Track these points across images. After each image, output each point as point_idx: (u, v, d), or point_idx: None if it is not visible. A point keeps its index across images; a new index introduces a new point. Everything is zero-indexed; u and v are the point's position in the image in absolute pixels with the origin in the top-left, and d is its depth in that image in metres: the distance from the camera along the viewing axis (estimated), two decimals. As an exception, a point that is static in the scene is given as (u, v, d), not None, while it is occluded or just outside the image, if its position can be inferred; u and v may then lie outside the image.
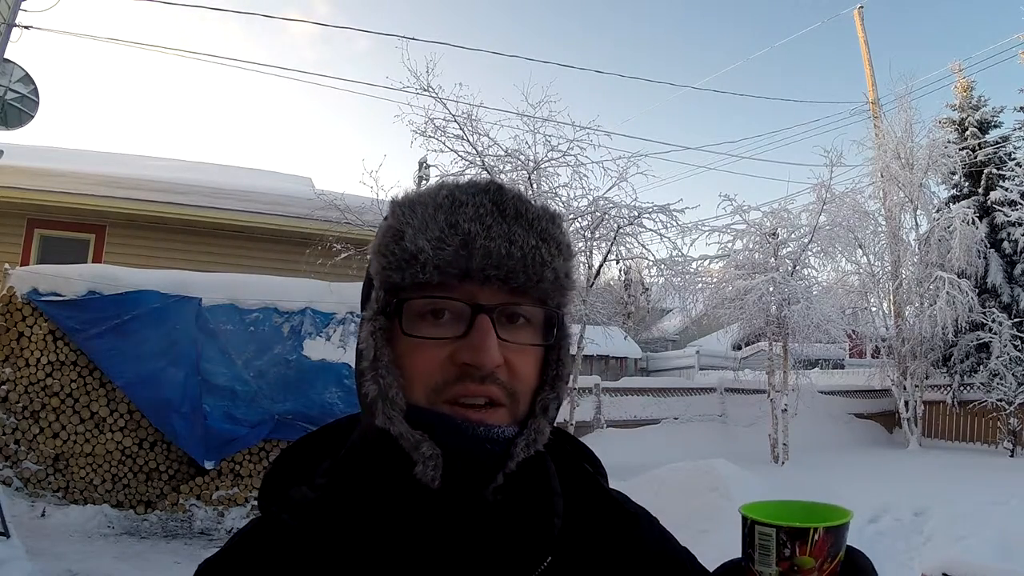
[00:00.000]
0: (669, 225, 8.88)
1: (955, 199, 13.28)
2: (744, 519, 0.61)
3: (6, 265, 6.95)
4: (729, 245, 11.12)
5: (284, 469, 0.66)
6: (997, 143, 13.42)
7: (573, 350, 9.28)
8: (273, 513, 0.62)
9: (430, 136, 8.40)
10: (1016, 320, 11.83)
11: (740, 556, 0.62)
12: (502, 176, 8.60)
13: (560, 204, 8.94)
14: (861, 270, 13.27)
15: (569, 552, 0.63)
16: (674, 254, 9.59)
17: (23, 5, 6.89)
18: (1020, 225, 12.17)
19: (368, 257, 0.64)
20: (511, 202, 0.62)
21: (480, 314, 0.58)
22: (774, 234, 11.06)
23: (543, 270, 0.60)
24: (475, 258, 0.58)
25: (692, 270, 10.38)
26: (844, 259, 12.93)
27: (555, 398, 0.64)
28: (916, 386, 12.59)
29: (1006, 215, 12.29)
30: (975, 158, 13.24)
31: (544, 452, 0.64)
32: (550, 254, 0.61)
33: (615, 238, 8.72)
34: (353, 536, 0.58)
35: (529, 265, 0.60)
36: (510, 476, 0.59)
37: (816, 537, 0.57)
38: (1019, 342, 11.64)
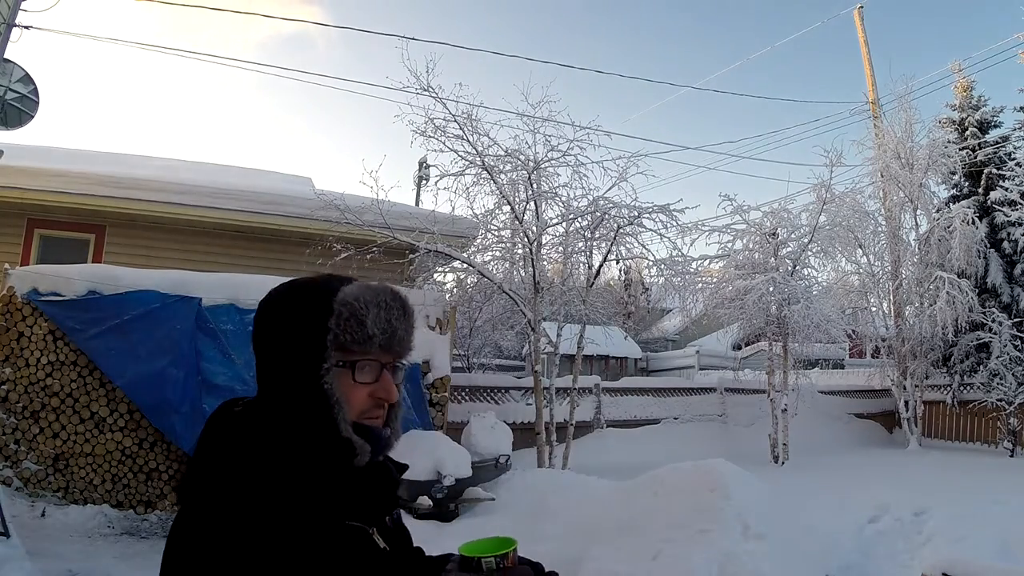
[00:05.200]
0: (669, 225, 8.85)
1: (955, 199, 13.27)
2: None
3: (6, 265, 6.95)
4: (729, 245, 11.12)
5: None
6: (997, 143, 13.41)
7: (572, 350, 9.28)
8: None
9: (430, 136, 8.36)
10: (1016, 320, 11.83)
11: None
12: (502, 176, 8.58)
13: (560, 204, 8.94)
14: (861, 270, 13.28)
15: None
16: (674, 254, 9.56)
17: (23, 5, 6.89)
18: (1020, 225, 12.16)
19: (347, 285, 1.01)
20: (406, 305, 1.04)
21: (385, 370, 1.00)
22: (774, 234, 11.05)
23: (412, 343, 1.04)
24: (393, 342, 1.00)
25: (692, 270, 10.36)
26: (844, 259, 12.95)
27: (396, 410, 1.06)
28: (916, 386, 12.59)
29: (1006, 215, 12.29)
30: (975, 158, 13.24)
31: None
32: (413, 333, 1.05)
33: (615, 238, 8.69)
34: (328, 491, 0.95)
35: (409, 342, 1.04)
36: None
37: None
38: (1019, 342, 11.64)
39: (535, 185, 8.55)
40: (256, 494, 0.88)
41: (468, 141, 8.35)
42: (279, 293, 1.02)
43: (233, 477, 0.89)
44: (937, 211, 12.91)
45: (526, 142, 8.74)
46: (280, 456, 0.92)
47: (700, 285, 11.20)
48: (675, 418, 11.59)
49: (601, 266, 9.20)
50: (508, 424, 7.61)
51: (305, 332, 0.95)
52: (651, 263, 9.38)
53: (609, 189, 8.85)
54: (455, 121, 8.34)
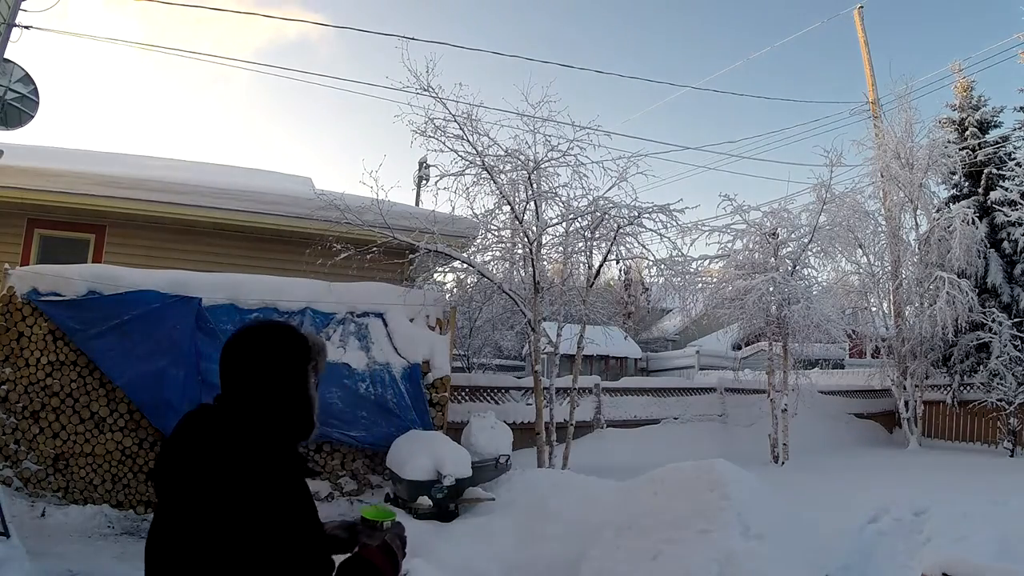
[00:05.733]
0: (669, 225, 8.81)
1: (955, 199, 13.27)
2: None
3: (6, 265, 6.95)
4: (729, 245, 11.10)
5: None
6: (997, 143, 13.40)
7: (572, 350, 9.27)
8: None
9: (430, 136, 8.33)
10: (1016, 320, 11.82)
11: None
12: (502, 176, 8.57)
13: (560, 204, 8.92)
14: (861, 270, 13.28)
15: None
16: (674, 254, 9.52)
17: (23, 5, 6.90)
18: (1020, 225, 12.16)
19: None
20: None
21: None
22: (774, 234, 11.05)
23: None
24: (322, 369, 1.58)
25: (692, 270, 10.35)
26: (844, 259, 12.95)
27: None
28: (916, 386, 12.59)
29: (1006, 215, 12.29)
30: (975, 158, 13.24)
31: None
32: None
33: (615, 238, 8.67)
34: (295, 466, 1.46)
35: None
36: None
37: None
38: (1019, 342, 11.63)
39: (535, 185, 8.54)
40: (273, 463, 1.34)
41: (468, 141, 8.33)
42: (269, 333, 1.49)
43: (257, 451, 1.33)
44: (937, 211, 12.91)
45: (526, 142, 8.73)
46: (285, 435, 1.46)
47: (700, 285, 11.19)
48: (675, 418, 11.58)
49: (601, 266, 9.19)
50: (508, 424, 7.61)
51: (299, 360, 1.49)
52: (651, 263, 9.37)
53: (609, 189, 8.84)
54: (455, 121, 8.33)
